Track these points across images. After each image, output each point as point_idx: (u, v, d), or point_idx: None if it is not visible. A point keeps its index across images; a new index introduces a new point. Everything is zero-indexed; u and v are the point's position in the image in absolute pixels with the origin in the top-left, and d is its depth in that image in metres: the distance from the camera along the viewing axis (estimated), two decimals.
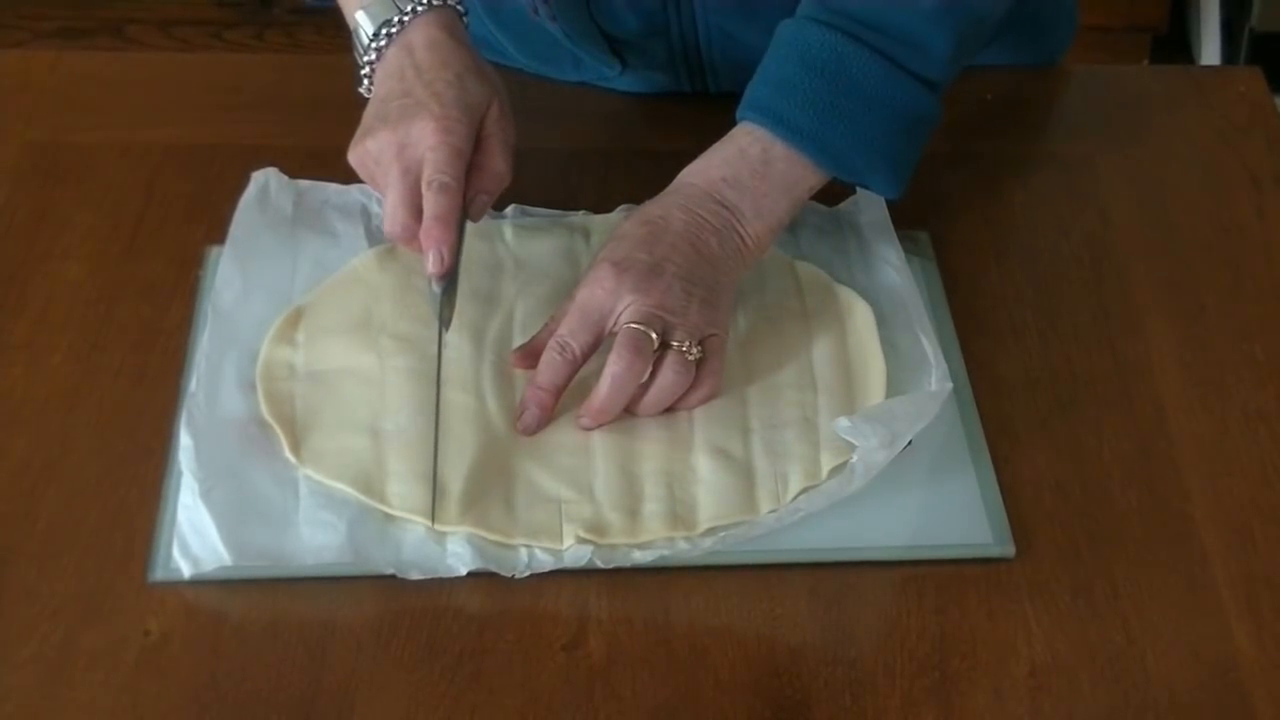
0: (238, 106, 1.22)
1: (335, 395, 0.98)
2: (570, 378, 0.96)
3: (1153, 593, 0.91)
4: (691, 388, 0.96)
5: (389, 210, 0.99)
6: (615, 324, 0.95)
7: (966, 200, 1.15)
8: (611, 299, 0.95)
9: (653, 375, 0.95)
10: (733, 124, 1.02)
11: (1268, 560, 0.93)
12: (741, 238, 0.99)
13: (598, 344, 0.96)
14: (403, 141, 0.98)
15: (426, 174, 0.98)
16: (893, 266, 1.07)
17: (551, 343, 0.96)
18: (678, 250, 0.97)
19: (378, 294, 1.03)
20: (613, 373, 0.94)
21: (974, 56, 1.07)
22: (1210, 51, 2.58)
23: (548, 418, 0.96)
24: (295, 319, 1.02)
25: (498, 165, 1.02)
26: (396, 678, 0.86)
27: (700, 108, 1.00)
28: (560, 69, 1.24)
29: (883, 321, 1.03)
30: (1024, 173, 1.19)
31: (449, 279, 0.98)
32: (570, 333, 0.95)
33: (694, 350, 0.95)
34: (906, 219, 1.10)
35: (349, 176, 1.05)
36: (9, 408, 0.98)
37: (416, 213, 0.98)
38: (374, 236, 1.08)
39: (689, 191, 1.00)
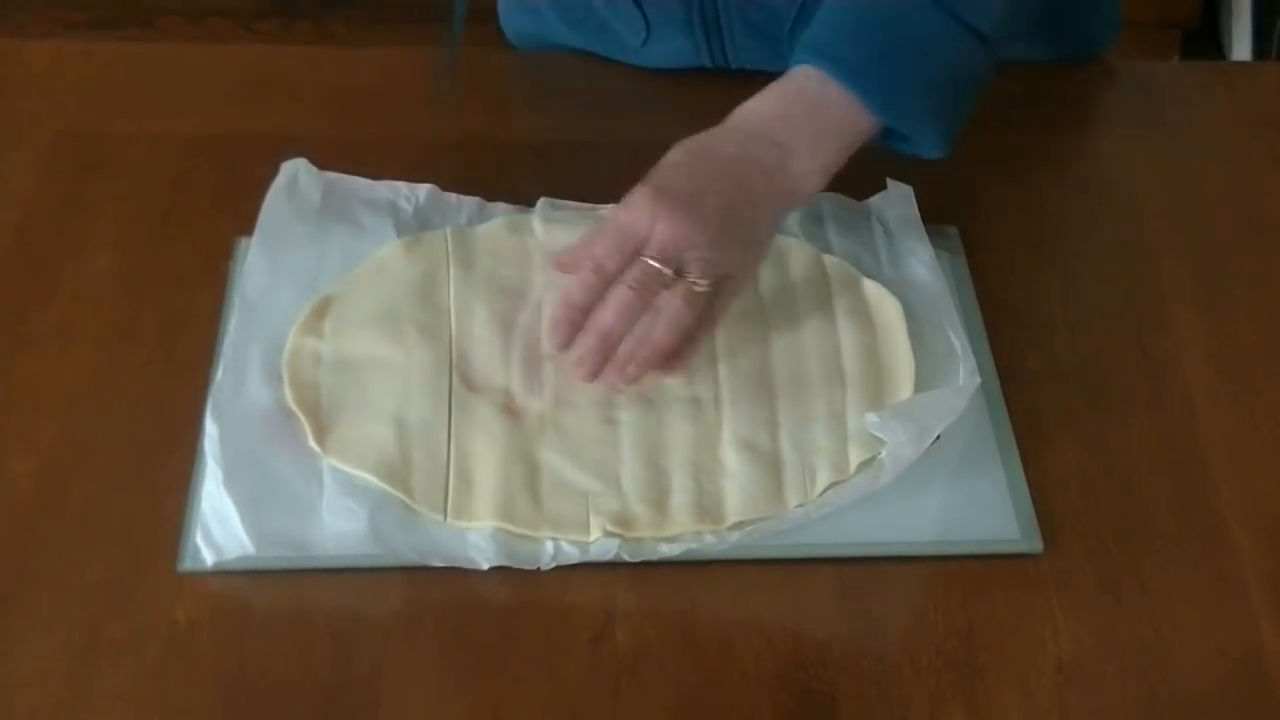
0: (267, 97, 1.22)
1: (360, 385, 0.98)
2: (601, 296, 0.95)
3: (1180, 588, 0.91)
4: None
5: None
6: (646, 248, 0.94)
7: (996, 195, 1.15)
8: (647, 221, 0.94)
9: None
10: None
11: None
12: (789, 176, 0.98)
13: (628, 264, 0.95)
14: None
15: None
16: (921, 261, 1.07)
17: (586, 262, 0.95)
18: (720, 183, 0.96)
19: (404, 285, 1.04)
20: (618, 295, 0.93)
21: (1024, 27, 1.07)
22: (1241, 46, 2.57)
23: (575, 334, 0.95)
24: (322, 309, 1.02)
25: None
26: (423, 668, 0.86)
27: (729, 98, 1.00)
28: (585, 33, 1.24)
29: (911, 316, 1.03)
30: (1054, 167, 1.18)
31: None
32: (606, 253, 0.95)
33: (704, 285, 0.94)
34: (936, 213, 1.10)
35: (377, 169, 1.05)
36: (38, 397, 0.99)
37: None
38: (402, 228, 1.08)
39: (743, 128, 0.99)
